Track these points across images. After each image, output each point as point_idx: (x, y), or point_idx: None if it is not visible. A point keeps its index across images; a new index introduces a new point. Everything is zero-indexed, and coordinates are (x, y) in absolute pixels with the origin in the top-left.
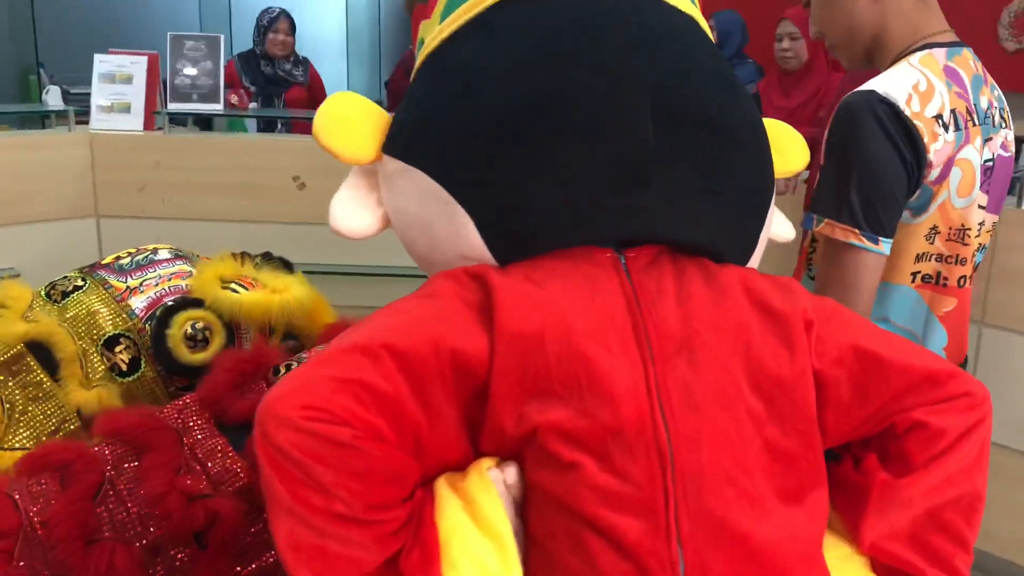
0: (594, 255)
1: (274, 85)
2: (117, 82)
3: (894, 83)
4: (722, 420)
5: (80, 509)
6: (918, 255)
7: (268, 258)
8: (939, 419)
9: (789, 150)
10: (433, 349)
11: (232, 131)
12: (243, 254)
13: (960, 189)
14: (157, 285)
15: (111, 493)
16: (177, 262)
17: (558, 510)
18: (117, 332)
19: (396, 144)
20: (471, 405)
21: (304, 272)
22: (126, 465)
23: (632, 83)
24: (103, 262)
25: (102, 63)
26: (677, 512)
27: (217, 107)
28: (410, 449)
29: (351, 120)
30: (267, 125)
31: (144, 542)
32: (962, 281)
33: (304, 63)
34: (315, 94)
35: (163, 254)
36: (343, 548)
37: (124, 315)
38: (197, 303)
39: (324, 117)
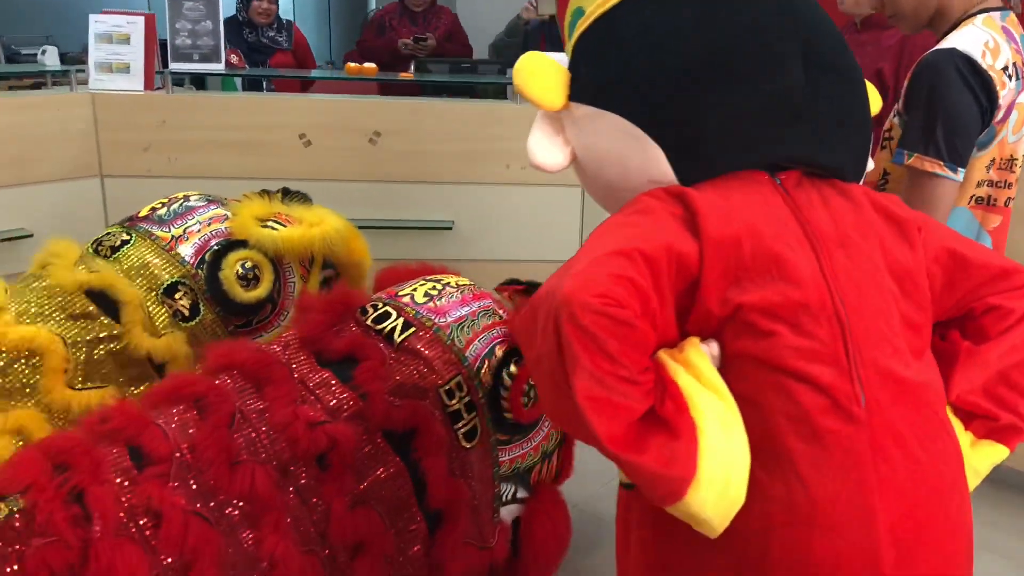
0: (755, 176)
1: (258, 52)
2: (115, 42)
3: (970, 41)
4: (875, 297)
5: (222, 435)
6: (978, 182)
7: (287, 193)
8: (1009, 303)
9: (871, 94)
10: (666, 253)
11: (225, 91)
12: (264, 192)
13: (1015, 127)
14: (199, 231)
15: (242, 421)
16: (212, 207)
17: (761, 368)
18: (174, 280)
19: (586, 93)
20: (684, 296)
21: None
22: (247, 396)
23: (784, 38)
24: (140, 215)
25: (98, 23)
26: (854, 362)
27: (219, 67)
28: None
29: (545, 74)
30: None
31: (274, 463)
32: (1008, 202)
33: (288, 27)
34: (301, 57)
35: (196, 200)
36: (623, 400)
37: (176, 263)
38: (242, 244)
39: (523, 72)
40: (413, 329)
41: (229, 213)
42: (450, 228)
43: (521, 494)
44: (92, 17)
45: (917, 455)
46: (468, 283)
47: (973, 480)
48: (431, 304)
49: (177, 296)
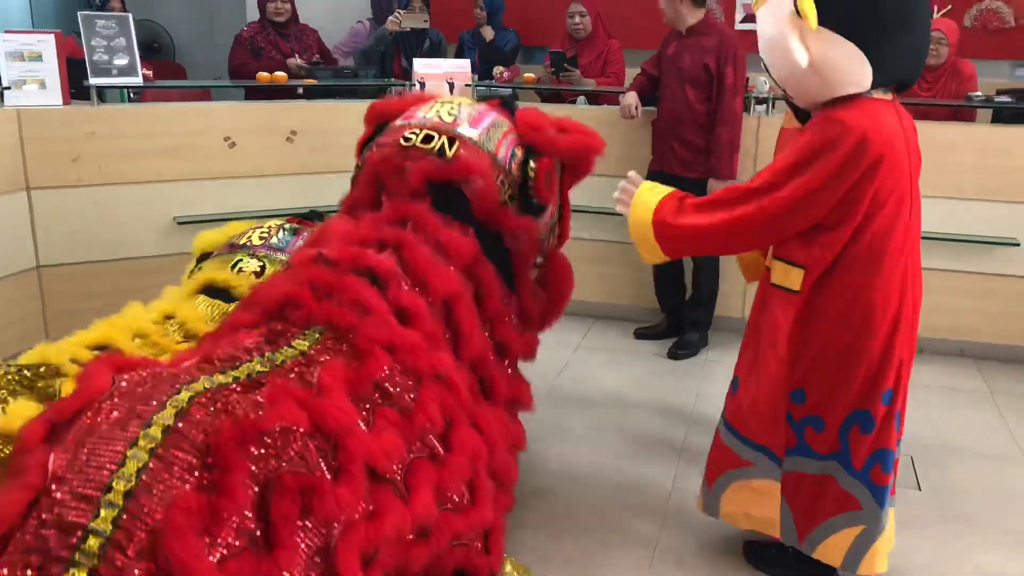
0: (886, 99)
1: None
2: (27, 60)
3: None
4: (916, 176)
5: None
6: None
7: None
8: None
9: None
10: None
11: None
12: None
13: None
14: None
15: None
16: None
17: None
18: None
19: (832, 20)
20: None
21: (236, 219)
22: None
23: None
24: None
25: (6, 43)
26: (913, 218)
27: (137, 80)
28: None
29: (812, 6)
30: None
31: None
32: None
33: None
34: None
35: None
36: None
37: None
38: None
39: (805, 4)
40: (458, 143)
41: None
42: None
43: (539, 260)
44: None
45: (917, 258)
46: (469, 100)
47: None
48: (457, 120)
49: None
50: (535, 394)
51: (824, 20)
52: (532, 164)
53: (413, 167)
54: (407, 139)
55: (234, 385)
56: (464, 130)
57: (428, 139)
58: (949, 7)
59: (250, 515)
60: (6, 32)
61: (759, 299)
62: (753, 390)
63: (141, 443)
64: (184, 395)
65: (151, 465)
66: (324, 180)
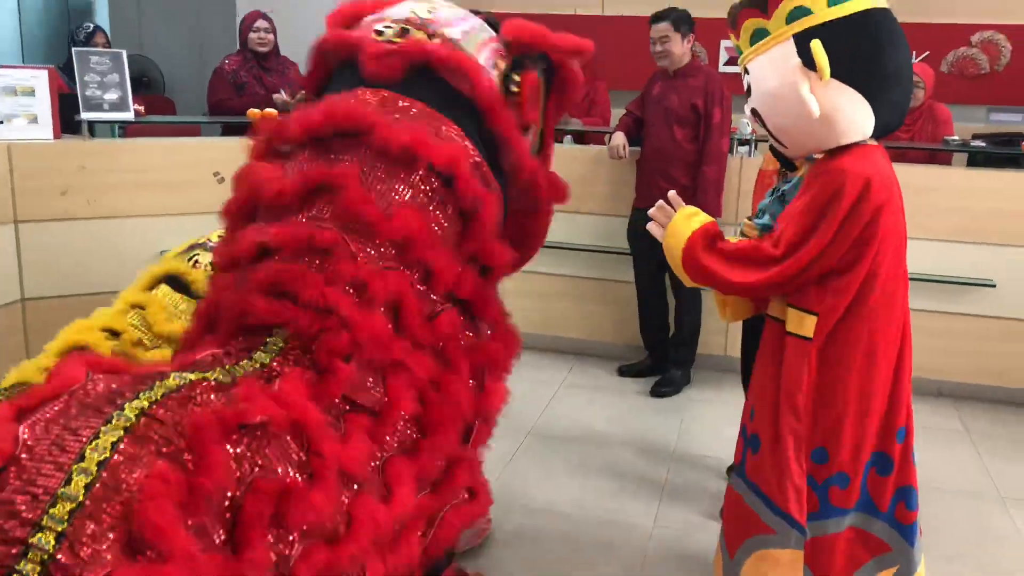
0: (879, 147)
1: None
2: (20, 95)
3: None
4: None
5: None
6: None
7: None
8: None
9: None
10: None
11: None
12: None
13: None
14: None
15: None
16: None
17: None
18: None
19: (840, 71)
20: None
21: None
22: None
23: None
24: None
25: (1, 77)
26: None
27: (128, 115)
28: None
29: (825, 56)
30: None
31: None
32: None
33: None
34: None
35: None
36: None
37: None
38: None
39: (819, 51)
40: (438, 40)
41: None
42: None
43: None
44: None
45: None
46: (450, 3)
47: None
48: (434, 18)
49: None
50: (517, 431)
51: (833, 71)
52: (516, 77)
53: (388, 49)
54: (379, 32)
55: (205, 384)
56: (442, 27)
57: (404, 32)
58: (927, 53)
59: (227, 504)
60: (1, 67)
61: (768, 349)
62: (776, 453)
63: (115, 422)
64: (158, 389)
65: (125, 441)
66: None
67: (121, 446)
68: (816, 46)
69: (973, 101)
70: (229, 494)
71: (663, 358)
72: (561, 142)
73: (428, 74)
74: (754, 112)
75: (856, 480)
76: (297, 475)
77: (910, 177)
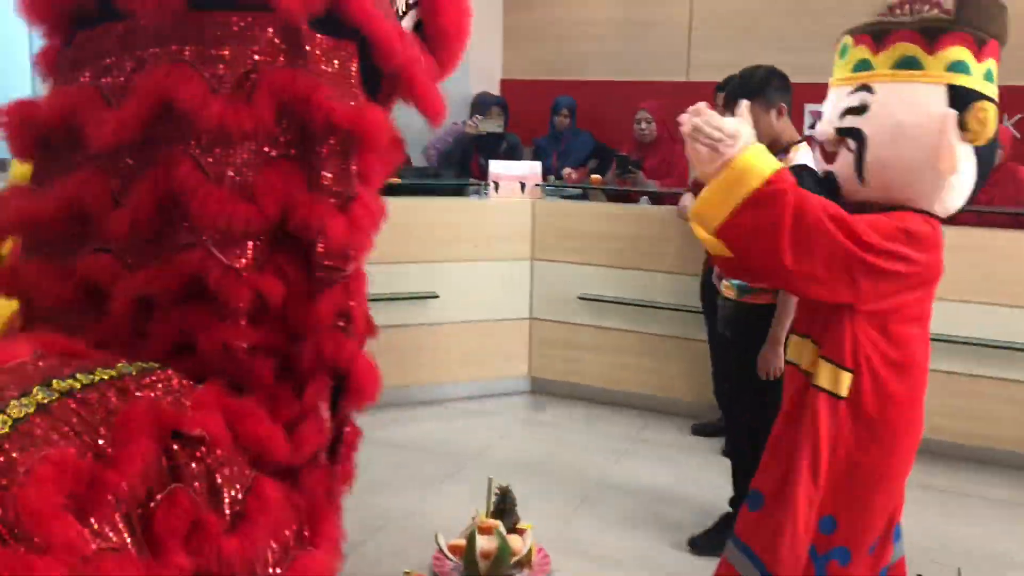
0: None
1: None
2: None
3: (808, 160)
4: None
5: None
6: None
7: None
8: None
9: None
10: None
11: None
12: None
13: None
14: None
15: None
16: None
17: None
18: None
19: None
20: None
21: None
22: None
23: None
24: None
25: None
26: None
27: None
28: None
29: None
30: None
31: None
32: None
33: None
34: None
35: None
36: None
37: None
38: None
39: (992, 122)
40: None
41: None
42: (436, 297)
43: None
44: None
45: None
46: None
47: None
48: None
49: None
50: (585, 481)
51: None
52: None
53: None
54: None
55: (159, 374)
56: None
57: None
58: (1019, 116)
59: (137, 507)
60: None
61: (790, 408)
62: (780, 514)
63: (32, 396)
64: (101, 374)
65: (34, 417)
66: (402, 268)
67: (23, 426)
68: (991, 113)
69: None
70: (159, 496)
71: None
72: (637, 202)
73: None
74: (846, 132)
75: (859, 559)
76: (226, 506)
77: (990, 240)
